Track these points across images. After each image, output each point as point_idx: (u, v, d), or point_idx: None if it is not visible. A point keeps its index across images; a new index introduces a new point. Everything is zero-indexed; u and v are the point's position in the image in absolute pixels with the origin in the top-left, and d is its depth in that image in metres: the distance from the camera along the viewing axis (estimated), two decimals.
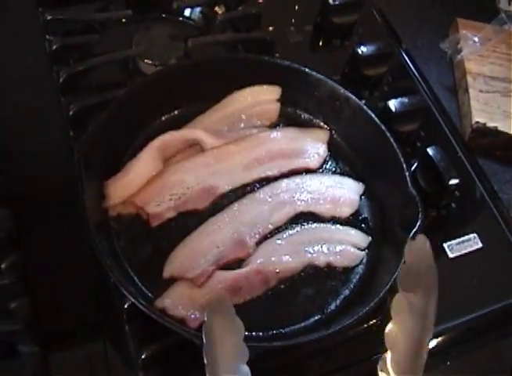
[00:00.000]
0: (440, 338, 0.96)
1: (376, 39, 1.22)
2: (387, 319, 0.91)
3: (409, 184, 0.95)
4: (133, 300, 0.80)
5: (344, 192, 1.02)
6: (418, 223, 0.90)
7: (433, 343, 0.95)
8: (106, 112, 0.95)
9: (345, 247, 0.97)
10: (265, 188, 1.01)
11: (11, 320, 0.84)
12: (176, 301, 0.86)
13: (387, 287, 0.86)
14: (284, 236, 0.96)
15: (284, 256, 0.94)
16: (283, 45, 1.22)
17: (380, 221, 1.00)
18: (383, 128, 1.01)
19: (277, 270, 0.92)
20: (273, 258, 0.93)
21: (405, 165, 0.97)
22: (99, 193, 0.94)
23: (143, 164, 0.97)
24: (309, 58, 1.24)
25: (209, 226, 0.95)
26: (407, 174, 0.96)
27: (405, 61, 1.26)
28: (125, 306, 0.85)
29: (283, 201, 0.99)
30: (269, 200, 0.99)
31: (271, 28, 1.24)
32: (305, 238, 0.97)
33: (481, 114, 1.22)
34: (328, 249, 0.96)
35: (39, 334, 0.84)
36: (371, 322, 0.93)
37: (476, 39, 1.34)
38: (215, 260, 0.92)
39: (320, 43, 1.28)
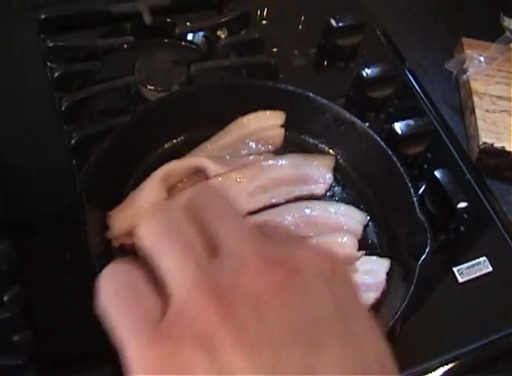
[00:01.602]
0: (451, 365, 0.93)
1: (380, 60, 1.21)
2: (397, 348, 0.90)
3: (417, 210, 0.94)
4: None
5: (347, 221, 1.00)
6: (427, 250, 0.89)
7: (443, 370, 0.93)
8: (108, 141, 0.94)
9: None
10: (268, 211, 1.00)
11: (14, 354, 0.83)
12: None
13: (397, 315, 0.85)
14: None
15: None
16: (287, 68, 1.21)
17: (388, 247, 0.99)
18: (389, 152, 1.00)
19: None
20: None
21: (412, 190, 0.96)
22: (102, 222, 0.92)
23: (147, 195, 0.95)
24: (313, 81, 1.23)
25: None
26: (415, 199, 0.95)
27: (411, 82, 1.25)
28: None
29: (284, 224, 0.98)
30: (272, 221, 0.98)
31: (274, 50, 1.23)
32: None
33: (488, 135, 1.21)
34: None
35: (43, 367, 0.83)
36: None
37: (482, 59, 1.33)
38: None
39: (324, 65, 1.27)
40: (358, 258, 0.95)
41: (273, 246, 0.44)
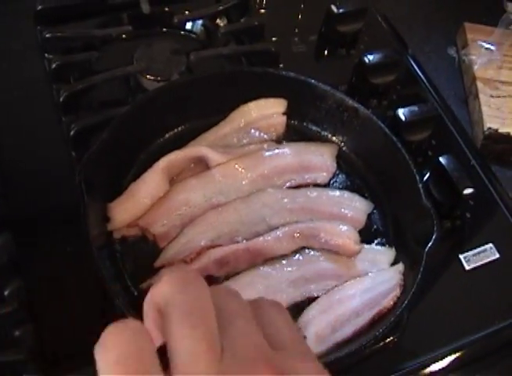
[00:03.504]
0: (458, 354, 0.92)
1: (382, 47, 1.20)
2: (404, 336, 0.89)
3: (423, 197, 0.92)
4: None
5: (350, 209, 0.99)
6: (433, 237, 0.87)
7: (451, 359, 0.92)
8: (107, 131, 0.93)
9: None
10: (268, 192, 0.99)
11: (15, 349, 0.81)
12: None
13: (404, 304, 0.83)
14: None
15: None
16: (287, 55, 1.20)
17: (394, 235, 0.98)
18: (393, 138, 0.98)
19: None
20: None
21: (418, 177, 0.94)
22: (103, 214, 0.91)
23: (148, 187, 0.95)
24: (314, 68, 1.21)
25: (204, 221, 0.94)
26: (420, 186, 0.93)
27: (413, 68, 1.23)
28: None
29: (286, 208, 0.97)
30: (273, 205, 0.97)
31: (274, 39, 1.21)
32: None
33: (492, 120, 1.19)
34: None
35: (44, 362, 0.82)
36: (388, 340, 0.90)
37: (484, 44, 1.31)
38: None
39: (325, 52, 1.26)
40: (358, 253, 0.93)
41: (281, 358, 0.43)
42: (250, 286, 0.89)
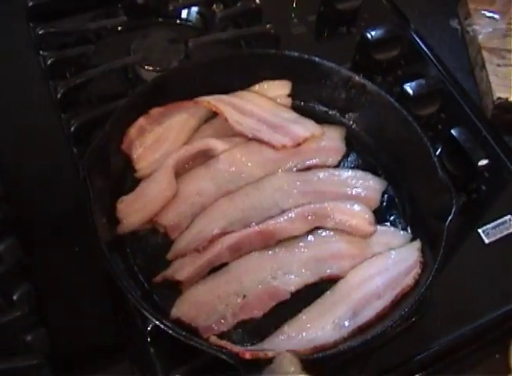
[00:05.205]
0: (479, 331, 0.90)
1: (383, 22, 1.17)
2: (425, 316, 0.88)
3: (439, 170, 0.90)
4: (157, 322, 0.75)
5: (363, 188, 0.96)
6: (453, 210, 0.85)
7: (475, 336, 0.90)
8: (108, 124, 0.90)
9: None
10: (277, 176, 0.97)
11: (28, 354, 0.79)
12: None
13: (428, 281, 0.81)
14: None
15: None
16: (287, 37, 1.18)
17: (410, 212, 0.95)
18: (404, 112, 0.96)
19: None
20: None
21: (432, 150, 0.92)
22: (110, 210, 0.89)
23: (160, 187, 0.92)
24: (316, 49, 1.18)
25: (216, 209, 0.92)
26: (435, 160, 0.91)
27: (417, 43, 1.21)
28: (148, 328, 0.80)
29: (298, 191, 0.95)
30: (284, 189, 0.95)
31: (272, 22, 1.18)
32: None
33: (501, 89, 1.16)
34: None
35: (58, 366, 0.80)
36: (410, 321, 0.87)
37: (487, 13, 1.29)
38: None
39: (326, 32, 1.24)
40: (372, 234, 0.91)
41: None
42: (259, 268, 0.88)
